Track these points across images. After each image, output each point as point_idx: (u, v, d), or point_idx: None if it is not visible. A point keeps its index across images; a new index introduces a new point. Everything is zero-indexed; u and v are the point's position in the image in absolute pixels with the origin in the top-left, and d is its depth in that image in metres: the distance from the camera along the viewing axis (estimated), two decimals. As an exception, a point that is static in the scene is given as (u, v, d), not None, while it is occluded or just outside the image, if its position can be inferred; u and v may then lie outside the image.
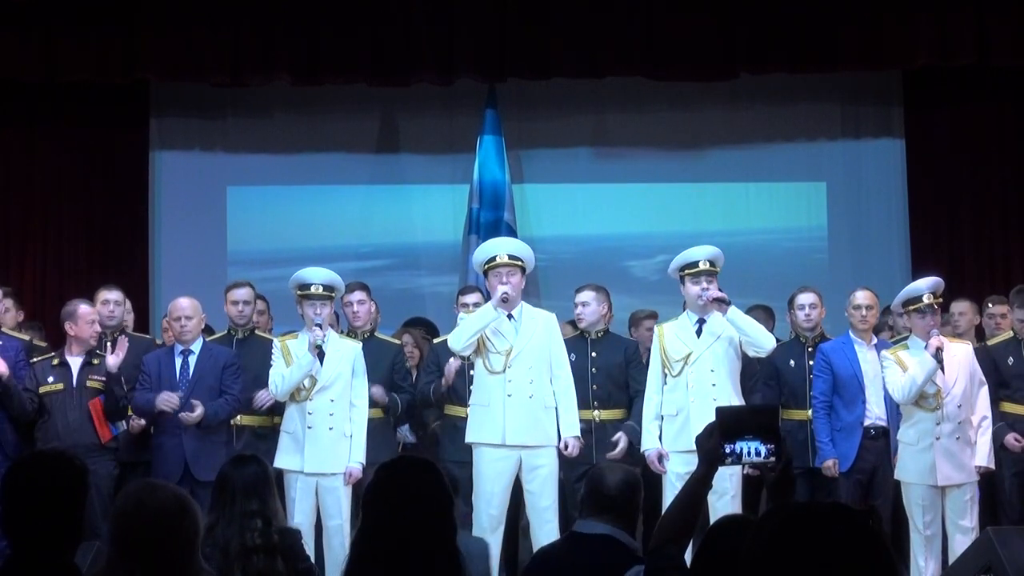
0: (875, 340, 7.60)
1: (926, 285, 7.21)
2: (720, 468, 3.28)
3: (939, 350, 6.97)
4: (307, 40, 9.22)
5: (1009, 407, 7.55)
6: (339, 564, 6.17)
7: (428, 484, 3.30)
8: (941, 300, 7.24)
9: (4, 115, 9.79)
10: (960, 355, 7.16)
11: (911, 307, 7.20)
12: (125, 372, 7.49)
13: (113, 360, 7.30)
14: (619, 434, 7.56)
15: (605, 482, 4.21)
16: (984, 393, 7.19)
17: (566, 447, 7.07)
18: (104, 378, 7.40)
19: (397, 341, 8.13)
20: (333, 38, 9.20)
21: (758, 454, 3.15)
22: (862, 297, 7.60)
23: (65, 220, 9.92)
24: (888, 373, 7.15)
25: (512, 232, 9.40)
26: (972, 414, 7.12)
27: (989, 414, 7.18)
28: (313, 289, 7.26)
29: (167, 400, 7.21)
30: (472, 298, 7.81)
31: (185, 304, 7.50)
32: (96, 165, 10.02)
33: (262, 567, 4.44)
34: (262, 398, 7.55)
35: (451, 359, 7.56)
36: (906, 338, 7.37)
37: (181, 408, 7.23)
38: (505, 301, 7.02)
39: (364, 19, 9.20)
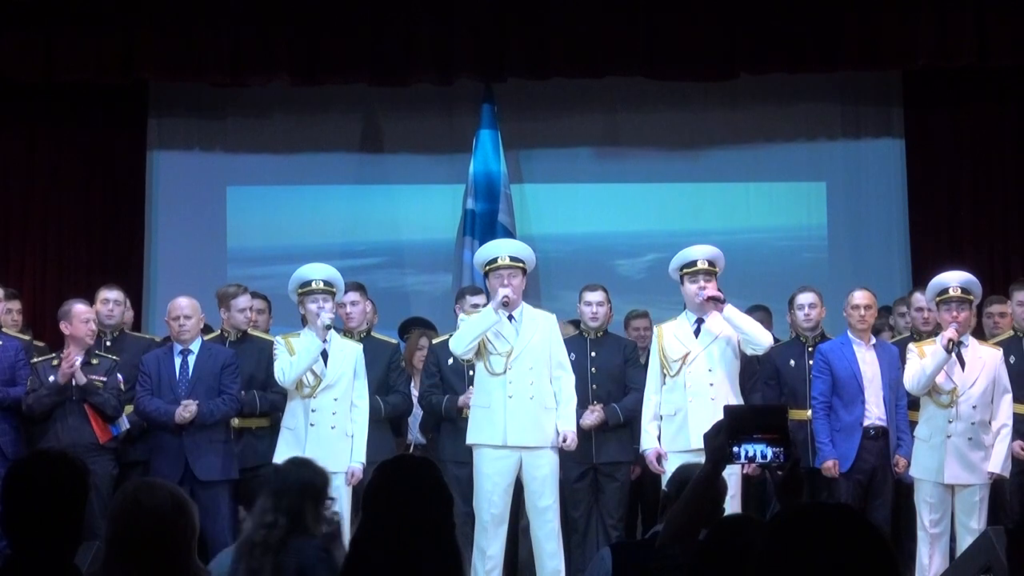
0: (874, 340, 7.59)
1: (955, 279, 7.20)
2: (718, 466, 3.26)
3: (951, 342, 6.97)
4: (306, 40, 9.22)
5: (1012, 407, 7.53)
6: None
7: (427, 483, 3.30)
8: (971, 298, 7.22)
9: (4, 115, 9.77)
10: (987, 358, 7.15)
11: (939, 298, 7.21)
12: (124, 371, 7.50)
13: (79, 376, 7.28)
14: (599, 408, 7.59)
15: (687, 483, 4.17)
16: (1007, 401, 7.14)
17: (564, 440, 7.08)
18: (103, 378, 7.40)
19: (393, 341, 8.13)
20: (332, 38, 9.20)
21: (764, 456, 3.14)
22: (860, 297, 7.59)
23: (65, 220, 9.90)
24: (907, 365, 7.16)
25: (509, 233, 9.40)
26: (992, 419, 7.09)
27: (1010, 423, 7.13)
28: (314, 285, 7.28)
29: (187, 410, 7.24)
30: (479, 299, 7.81)
31: (184, 303, 7.51)
32: (95, 165, 10.01)
33: (257, 565, 4.42)
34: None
35: (464, 396, 7.54)
36: (921, 336, 7.39)
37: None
38: (506, 305, 7.02)
39: (363, 19, 9.20)
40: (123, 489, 3.27)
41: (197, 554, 3.24)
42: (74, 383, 7.30)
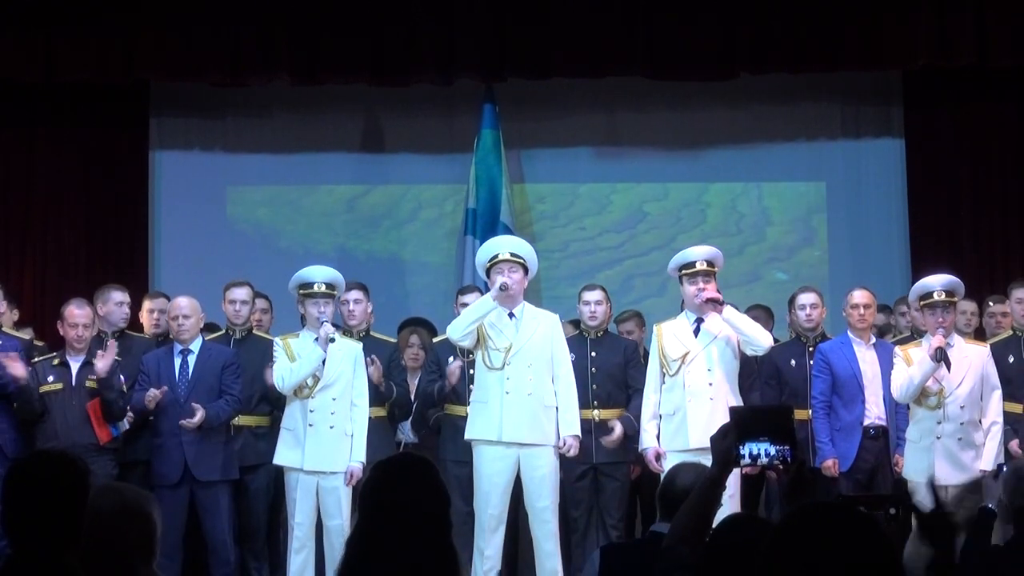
0: (874, 340, 7.59)
1: (939, 282, 7.20)
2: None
3: (939, 350, 6.96)
4: (307, 40, 9.21)
5: (1010, 406, 7.49)
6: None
7: (423, 482, 3.29)
8: (956, 300, 7.22)
9: (4, 115, 9.76)
10: (972, 357, 7.14)
11: (924, 302, 7.20)
12: (126, 371, 7.50)
13: (102, 365, 7.26)
14: (615, 421, 7.58)
15: (674, 484, 4.20)
16: (996, 398, 7.14)
17: (564, 445, 7.08)
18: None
19: (393, 340, 8.13)
20: (333, 38, 9.20)
21: (767, 455, 3.14)
22: (859, 296, 7.59)
23: (65, 220, 9.89)
24: (893, 371, 7.15)
25: (509, 232, 9.38)
26: (982, 417, 7.10)
27: (1000, 420, 7.13)
28: (316, 288, 7.27)
29: (151, 398, 7.22)
30: (472, 297, 7.81)
31: (184, 303, 7.52)
32: (96, 165, 9.99)
33: None
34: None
35: (452, 360, 7.55)
36: (922, 335, 7.42)
37: (180, 410, 7.26)
38: (504, 290, 7.01)
39: (364, 19, 9.19)
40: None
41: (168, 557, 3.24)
42: (98, 377, 7.28)
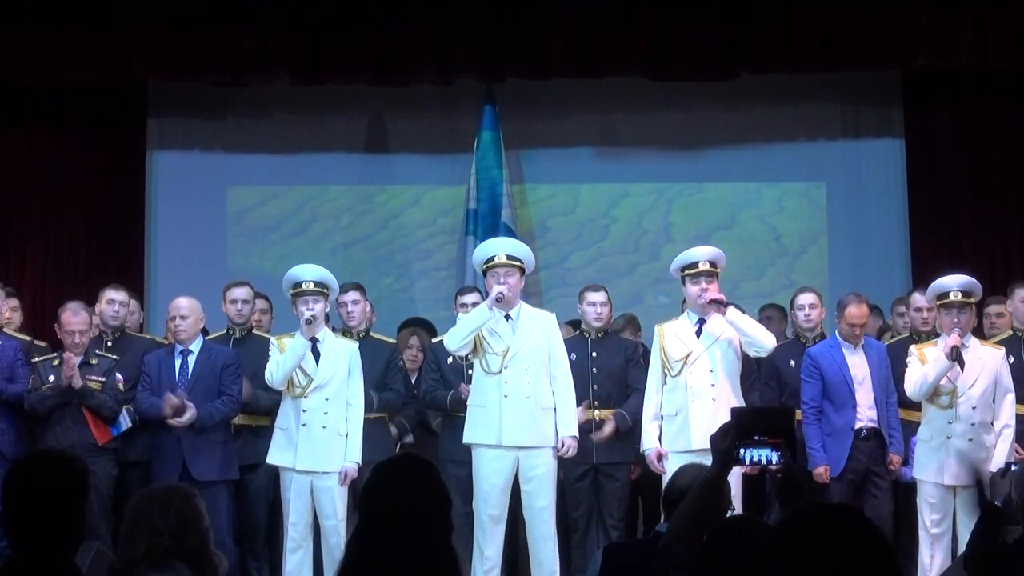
0: (862, 340, 7.54)
1: (956, 283, 7.18)
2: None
3: (954, 349, 6.95)
4: (307, 40, 9.21)
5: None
6: (336, 564, 6.16)
7: (424, 484, 3.29)
8: (972, 301, 7.21)
9: (4, 115, 9.77)
10: (987, 358, 7.13)
11: (940, 302, 7.19)
12: (125, 371, 7.50)
13: (76, 380, 7.26)
14: (609, 417, 7.57)
15: (673, 485, 4.22)
16: (1009, 401, 7.12)
17: (563, 446, 7.08)
18: (102, 379, 7.40)
19: (392, 340, 8.13)
20: (333, 38, 9.20)
21: (768, 460, 3.15)
22: (856, 317, 7.42)
23: (65, 220, 9.90)
24: (907, 369, 7.14)
25: (511, 232, 9.39)
26: (994, 419, 7.08)
27: (1012, 423, 7.11)
28: (304, 286, 7.26)
29: (171, 404, 7.22)
30: (471, 298, 7.81)
31: (183, 304, 7.52)
32: (95, 165, 10.01)
33: None
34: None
35: (463, 384, 7.53)
36: (921, 336, 7.39)
37: (180, 408, 7.26)
38: (500, 301, 7.02)
39: (364, 19, 9.19)
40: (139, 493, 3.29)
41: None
42: (72, 386, 7.29)
